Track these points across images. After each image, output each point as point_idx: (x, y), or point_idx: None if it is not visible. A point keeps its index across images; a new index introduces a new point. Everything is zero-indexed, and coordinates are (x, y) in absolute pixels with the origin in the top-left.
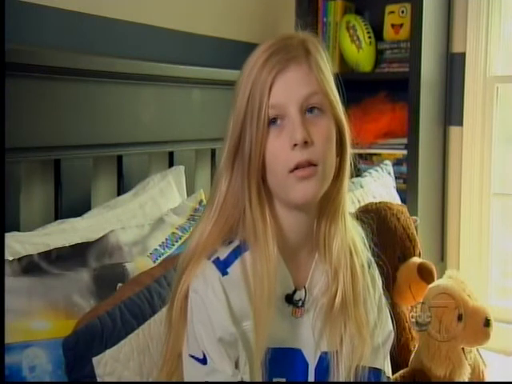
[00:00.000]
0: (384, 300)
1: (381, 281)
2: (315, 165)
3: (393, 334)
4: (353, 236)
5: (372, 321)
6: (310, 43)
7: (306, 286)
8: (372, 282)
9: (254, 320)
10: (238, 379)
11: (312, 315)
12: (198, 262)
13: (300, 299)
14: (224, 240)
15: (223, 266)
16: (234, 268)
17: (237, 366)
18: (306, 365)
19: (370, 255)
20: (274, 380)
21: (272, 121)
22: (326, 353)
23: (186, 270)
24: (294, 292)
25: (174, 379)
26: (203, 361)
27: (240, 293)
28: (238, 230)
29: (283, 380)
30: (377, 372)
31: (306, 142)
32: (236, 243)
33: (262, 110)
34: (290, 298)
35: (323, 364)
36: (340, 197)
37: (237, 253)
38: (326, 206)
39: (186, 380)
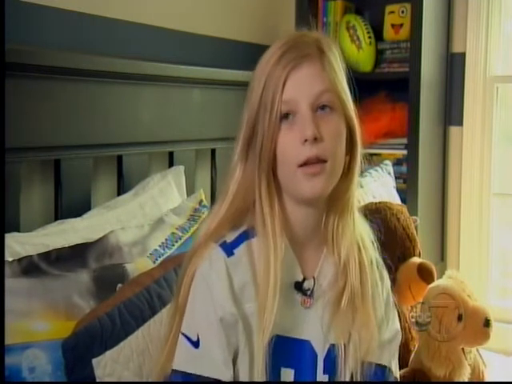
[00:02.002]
0: (392, 299)
1: (389, 281)
2: (324, 161)
3: (400, 333)
4: (361, 232)
5: (379, 316)
6: (324, 42)
7: (315, 276)
8: (380, 280)
9: (258, 305)
10: (229, 373)
11: (320, 307)
12: (205, 247)
13: (309, 288)
14: (232, 227)
15: (230, 248)
16: (241, 250)
17: (236, 357)
18: (315, 355)
19: (378, 256)
20: (282, 369)
21: (284, 116)
22: (334, 345)
23: (194, 255)
24: (303, 280)
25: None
26: (195, 344)
27: (244, 274)
28: (246, 218)
29: (291, 370)
30: (382, 369)
31: (315, 138)
32: (244, 228)
33: (274, 105)
34: (299, 286)
35: (332, 355)
36: (349, 193)
37: (244, 237)
38: (334, 202)
39: (175, 355)
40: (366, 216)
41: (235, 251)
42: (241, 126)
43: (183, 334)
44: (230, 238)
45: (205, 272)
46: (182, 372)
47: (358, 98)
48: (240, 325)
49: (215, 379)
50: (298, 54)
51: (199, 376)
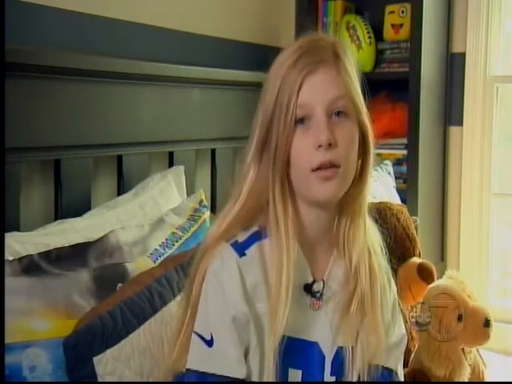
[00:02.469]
0: (398, 304)
1: (395, 286)
2: (337, 166)
3: (406, 337)
4: (371, 237)
5: (386, 320)
6: (339, 47)
7: (325, 279)
8: (388, 284)
9: (270, 307)
10: (243, 371)
11: (329, 310)
12: (217, 246)
13: (318, 291)
14: (244, 227)
15: (241, 248)
16: (252, 250)
17: (247, 354)
18: (323, 357)
19: (386, 263)
20: (290, 370)
21: (299, 120)
22: (341, 347)
23: (206, 254)
24: (313, 283)
25: (184, 358)
26: (209, 343)
27: (256, 275)
28: (258, 219)
29: (298, 371)
30: (389, 372)
31: (330, 144)
32: (255, 229)
33: (289, 109)
34: (308, 288)
35: (339, 358)
36: (362, 197)
37: (255, 237)
38: (347, 206)
39: (189, 355)
40: (376, 221)
41: (246, 252)
42: (254, 127)
43: (196, 333)
44: (242, 237)
45: (217, 271)
46: (196, 371)
47: (369, 101)
48: (252, 325)
49: (230, 377)
50: (313, 59)
51: (213, 375)
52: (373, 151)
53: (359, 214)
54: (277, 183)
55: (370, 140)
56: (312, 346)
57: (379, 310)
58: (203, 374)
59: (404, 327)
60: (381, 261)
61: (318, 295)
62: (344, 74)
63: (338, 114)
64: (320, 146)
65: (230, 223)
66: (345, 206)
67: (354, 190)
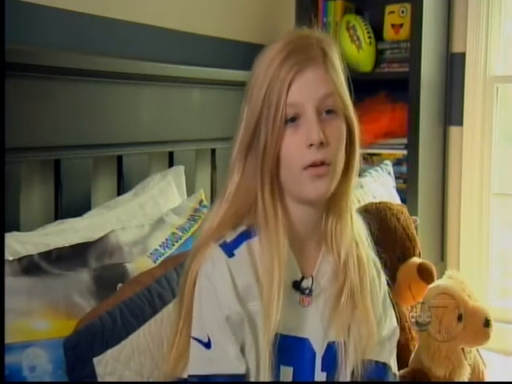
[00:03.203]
0: (388, 296)
1: (385, 279)
2: (328, 164)
3: (398, 330)
4: (358, 230)
5: (378, 312)
6: (326, 44)
7: (314, 275)
8: (377, 276)
9: (263, 305)
10: (243, 366)
11: (320, 305)
12: (206, 247)
13: (307, 287)
14: (232, 227)
15: (230, 249)
16: (241, 251)
17: (242, 351)
18: (314, 353)
19: (373, 254)
20: (282, 367)
21: (289, 119)
22: (333, 342)
23: (196, 256)
24: (302, 279)
25: (181, 364)
26: (207, 345)
27: (246, 274)
28: (246, 218)
29: (290, 368)
30: (382, 365)
31: (321, 143)
32: (243, 228)
33: (279, 108)
34: (297, 285)
35: (330, 353)
36: (348, 193)
37: (244, 237)
38: (333, 202)
39: (189, 361)
40: (360, 213)
41: (235, 252)
42: (239, 126)
43: (194, 338)
44: (230, 237)
45: (208, 273)
46: (199, 376)
47: (356, 98)
48: (246, 323)
49: (232, 375)
50: (302, 58)
51: (216, 375)
52: (358, 147)
53: (346, 209)
54: (266, 182)
55: (357, 136)
56: (302, 343)
57: (369, 301)
58: (206, 377)
59: (396, 320)
60: (368, 252)
61: (306, 292)
62: (332, 71)
63: (328, 111)
64: (311, 144)
65: (218, 224)
66: (332, 201)
67: (340, 185)
